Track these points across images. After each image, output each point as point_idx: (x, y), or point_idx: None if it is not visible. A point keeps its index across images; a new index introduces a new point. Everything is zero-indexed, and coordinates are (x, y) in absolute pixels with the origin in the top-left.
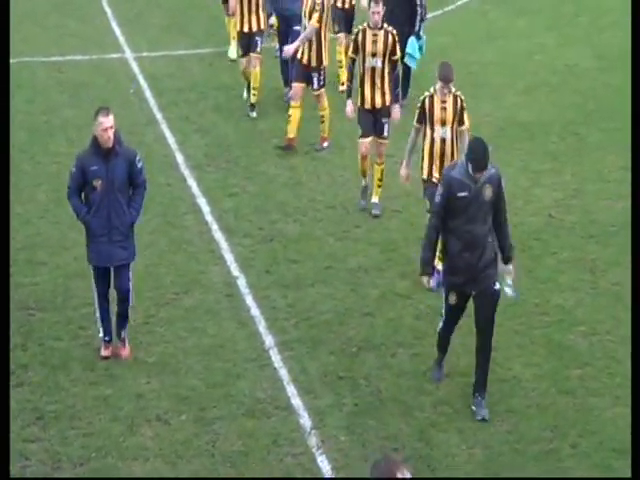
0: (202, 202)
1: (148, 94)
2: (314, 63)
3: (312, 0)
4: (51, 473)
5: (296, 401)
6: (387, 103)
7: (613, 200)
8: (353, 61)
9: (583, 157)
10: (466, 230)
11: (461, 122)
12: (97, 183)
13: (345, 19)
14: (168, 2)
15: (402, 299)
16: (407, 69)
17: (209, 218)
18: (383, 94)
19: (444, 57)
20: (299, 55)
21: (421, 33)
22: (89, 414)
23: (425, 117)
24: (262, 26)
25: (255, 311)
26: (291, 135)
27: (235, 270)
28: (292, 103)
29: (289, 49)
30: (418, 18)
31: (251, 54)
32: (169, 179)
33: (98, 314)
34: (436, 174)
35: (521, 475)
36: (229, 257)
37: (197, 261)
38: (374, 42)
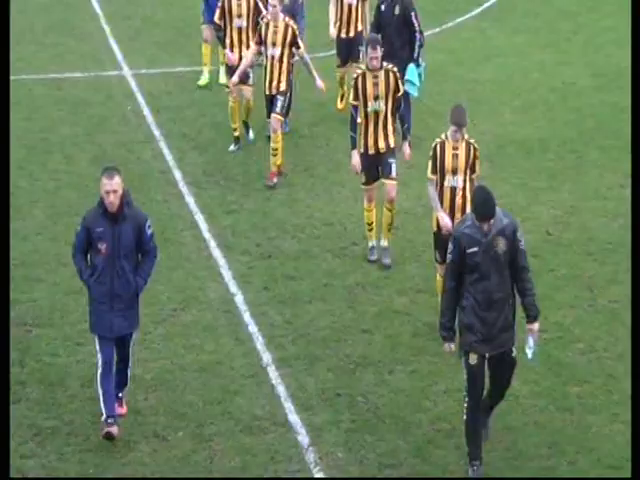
0: (200, 219)
1: (146, 111)
2: (274, 90)
3: (291, 30)
4: None
5: (294, 418)
6: (392, 145)
7: (611, 218)
8: (355, 108)
9: (581, 175)
10: (481, 288)
11: (473, 171)
12: (102, 246)
13: (350, 48)
14: (166, 20)
15: (400, 316)
16: (406, 96)
17: (207, 235)
18: (387, 137)
19: (442, 74)
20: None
21: (420, 60)
22: (86, 430)
23: (436, 165)
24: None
25: (253, 328)
26: (276, 167)
27: (233, 287)
28: (273, 137)
29: (234, 78)
30: (417, 44)
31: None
32: (167, 196)
33: (100, 390)
34: None
35: None
36: (227, 274)
37: (195, 278)
38: (375, 85)
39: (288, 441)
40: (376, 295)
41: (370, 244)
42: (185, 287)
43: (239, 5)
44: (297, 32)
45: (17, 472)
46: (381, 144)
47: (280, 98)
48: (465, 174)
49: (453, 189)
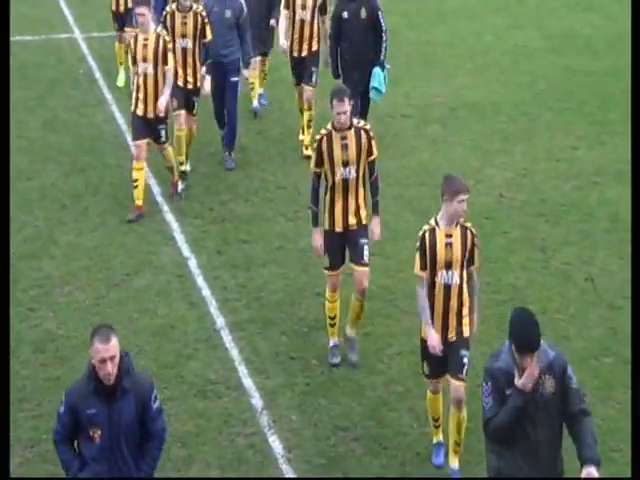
0: (152, 183)
1: (98, 75)
2: (151, 114)
3: (162, 42)
4: None
5: (247, 381)
6: (363, 221)
7: (563, 180)
8: (317, 177)
9: (533, 137)
10: (523, 440)
11: (470, 262)
12: (96, 434)
13: (303, 69)
14: None
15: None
16: (365, 103)
17: (159, 199)
18: (358, 210)
19: (395, 37)
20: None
21: (385, 62)
22: (39, 396)
23: (426, 258)
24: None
25: (206, 292)
26: (139, 202)
27: (186, 251)
28: (135, 164)
29: (161, 104)
30: (384, 45)
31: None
32: (120, 160)
33: None
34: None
35: (473, 454)
36: (180, 238)
37: (147, 242)
38: (344, 147)
39: (242, 405)
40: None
41: (332, 343)
42: (138, 251)
43: (184, 24)
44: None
45: None
46: (351, 220)
47: (161, 126)
48: (462, 268)
49: (447, 287)
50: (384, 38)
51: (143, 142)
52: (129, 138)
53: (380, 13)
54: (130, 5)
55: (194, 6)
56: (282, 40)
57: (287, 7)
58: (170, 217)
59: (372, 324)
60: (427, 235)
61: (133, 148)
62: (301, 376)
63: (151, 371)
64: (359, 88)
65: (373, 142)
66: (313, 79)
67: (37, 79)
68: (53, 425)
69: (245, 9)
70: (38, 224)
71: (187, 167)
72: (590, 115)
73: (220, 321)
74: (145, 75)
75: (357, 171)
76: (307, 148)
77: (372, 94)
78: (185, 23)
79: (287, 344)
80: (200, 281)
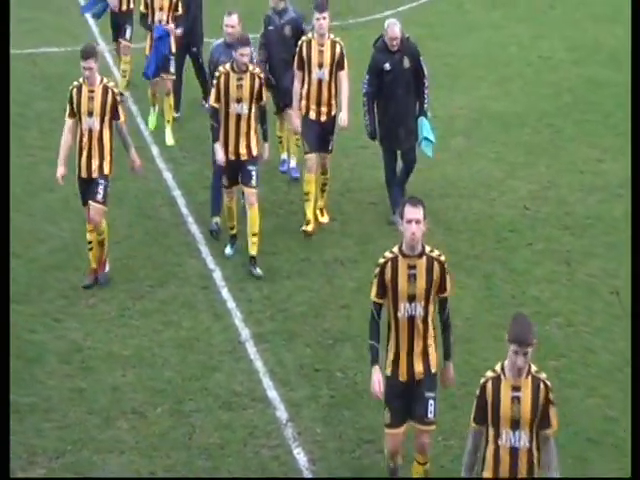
0: (178, 194)
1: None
2: (95, 174)
3: (111, 94)
4: (26, 467)
5: (272, 393)
6: (432, 369)
7: (587, 192)
8: (378, 308)
9: (557, 149)
10: None
11: (545, 425)
12: None
13: (322, 135)
14: None
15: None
16: (411, 160)
17: (185, 211)
18: (426, 355)
19: (419, 48)
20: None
21: (427, 109)
22: (64, 407)
23: (485, 412)
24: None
25: (231, 304)
26: (95, 265)
27: (211, 263)
28: (89, 226)
29: (139, 167)
30: (426, 92)
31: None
32: (144, 171)
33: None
34: None
35: None
36: (205, 250)
37: (173, 254)
38: (412, 278)
39: (267, 417)
40: (354, 270)
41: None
42: (163, 263)
43: (240, 86)
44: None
45: None
46: (417, 367)
47: (101, 182)
48: (532, 428)
49: (514, 451)
50: (426, 84)
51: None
52: (154, 150)
53: (422, 58)
54: (132, 5)
55: (250, 66)
56: (295, 109)
57: (301, 67)
58: (195, 229)
59: None
60: (489, 385)
61: (85, 212)
62: (326, 388)
63: (176, 383)
64: (405, 145)
65: (447, 276)
66: (330, 147)
67: (62, 90)
68: (79, 437)
69: (255, 57)
70: (63, 235)
71: (259, 271)
72: (615, 127)
73: (245, 333)
74: (90, 131)
75: (426, 309)
76: (322, 213)
77: (423, 145)
78: (241, 85)
79: (311, 356)
80: (225, 293)
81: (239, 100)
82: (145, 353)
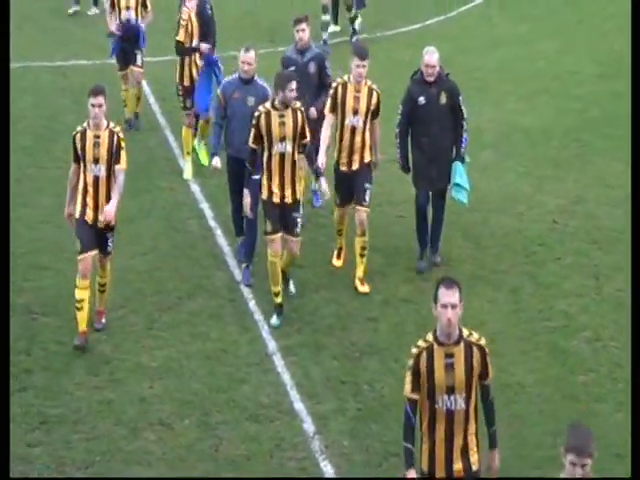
0: (205, 207)
1: (152, 99)
2: (102, 224)
3: (116, 139)
4: (55, 477)
5: (299, 406)
6: (473, 467)
7: (615, 206)
8: (414, 405)
9: (585, 163)
10: None
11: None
12: None
13: (354, 185)
14: (172, 6)
15: (405, 304)
16: (442, 206)
17: (212, 223)
18: (466, 451)
19: (446, 62)
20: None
21: (465, 154)
22: (93, 418)
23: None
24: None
25: (258, 316)
26: (84, 327)
27: (238, 275)
28: (80, 282)
29: (109, 212)
30: (464, 135)
31: None
32: (172, 183)
33: None
34: None
35: None
36: (232, 262)
37: (200, 266)
38: (449, 368)
39: (293, 429)
40: (381, 283)
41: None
42: (191, 275)
43: (282, 124)
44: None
45: (23, 460)
46: (457, 465)
47: (109, 235)
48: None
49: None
50: (464, 126)
51: (90, 255)
52: (181, 162)
53: (461, 97)
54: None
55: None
56: (322, 155)
57: (333, 110)
58: (223, 241)
59: None
60: None
61: (79, 263)
62: (352, 401)
63: (203, 395)
64: (437, 186)
65: (488, 360)
66: (367, 198)
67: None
68: (107, 449)
69: (270, 95)
70: None
71: (292, 288)
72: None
73: (272, 345)
74: (97, 178)
75: (467, 401)
76: (362, 283)
77: (454, 192)
78: (283, 123)
79: (338, 369)
80: (252, 305)
81: (282, 139)
82: (173, 365)
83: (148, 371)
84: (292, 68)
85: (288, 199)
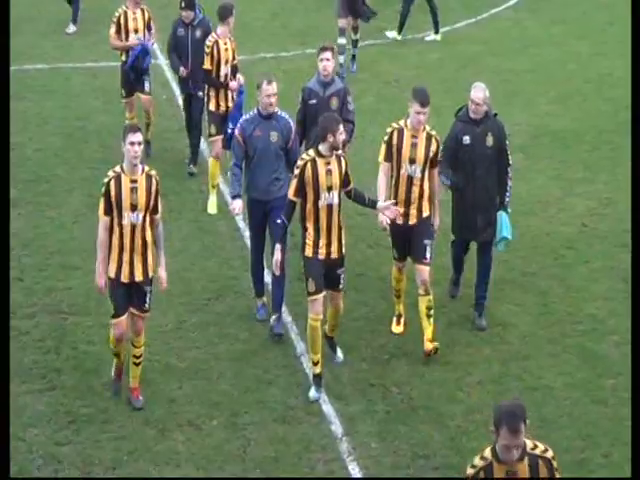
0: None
1: (181, 100)
2: (139, 277)
3: (154, 183)
4: (83, 477)
5: (327, 407)
6: None
7: None
8: None
9: (616, 166)
10: None
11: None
12: None
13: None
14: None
15: (434, 307)
16: (488, 262)
17: (241, 224)
18: None
19: (477, 65)
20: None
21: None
22: (121, 418)
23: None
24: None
25: (287, 317)
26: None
27: (267, 276)
28: (117, 347)
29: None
30: (509, 183)
31: None
32: (202, 186)
33: None
34: None
35: None
36: None
37: (229, 267)
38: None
39: (322, 431)
40: (410, 286)
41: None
42: (219, 276)
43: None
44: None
45: (52, 458)
46: None
47: (147, 288)
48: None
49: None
50: (510, 174)
51: (124, 319)
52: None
53: (507, 142)
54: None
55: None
56: (381, 202)
57: (389, 159)
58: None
59: (452, 353)
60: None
61: (114, 327)
62: (381, 403)
63: (231, 396)
64: (480, 237)
65: (556, 472)
66: (428, 255)
67: (120, 104)
68: (135, 448)
69: (294, 127)
70: None
71: (340, 355)
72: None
73: (300, 347)
74: (133, 227)
75: None
76: (432, 341)
77: (500, 246)
78: (330, 171)
79: (367, 371)
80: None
81: (330, 188)
82: (201, 365)
83: (177, 372)
84: (313, 101)
85: (334, 254)
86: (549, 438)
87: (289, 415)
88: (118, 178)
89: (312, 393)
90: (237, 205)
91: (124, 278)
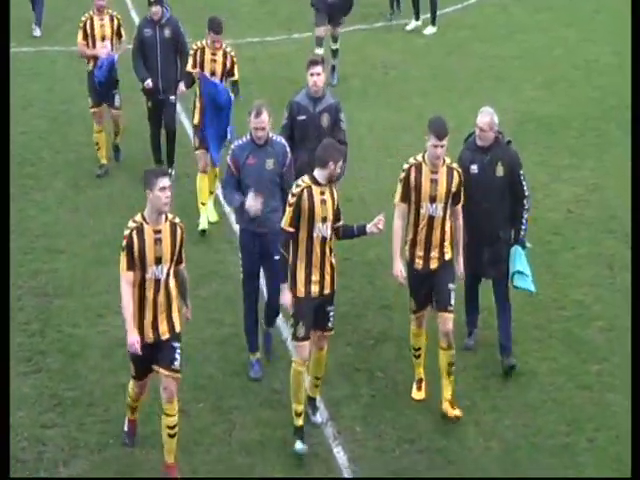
0: (219, 193)
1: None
2: (166, 335)
3: (179, 231)
4: (68, 459)
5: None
6: None
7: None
8: None
9: (602, 152)
10: None
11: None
12: None
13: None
14: None
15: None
16: (503, 296)
17: (227, 209)
18: None
19: (463, 50)
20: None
21: (525, 239)
22: (107, 401)
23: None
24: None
25: None
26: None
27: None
28: (133, 416)
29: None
30: (525, 216)
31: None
32: (187, 169)
33: None
34: None
35: (537, 469)
36: None
37: (215, 251)
38: None
39: (307, 415)
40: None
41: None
42: (206, 261)
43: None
44: None
45: (37, 441)
46: None
47: (175, 345)
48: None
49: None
50: (526, 206)
51: (149, 380)
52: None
53: (522, 172)
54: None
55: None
56: (397, 259)
57: (406, 199)
58: (237, 227)
59: (437, 339)
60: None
61: (132, 390)
62: (366, 388)
63: (217, 380)
64: (488, 273)
65: None
66: (452, 301)
67: None
68: (120, 432)
69: (289, 152)
70: (107, 231)
71: (318, 418)
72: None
73: (286, 332)
74: (157, 283)
75: None
76: (452, 406)
77: (515, 281)
78: (324, 201)
79: (352, 356)
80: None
81: (324, 220)
82: (187, 349)
83: None
84: (302, 117)
85: (327, 289)
86: (534, 423)
87: (274, 399)
88: (140, 229)
89: (298, 446)
90: (250, 197)
91: (147, 339)
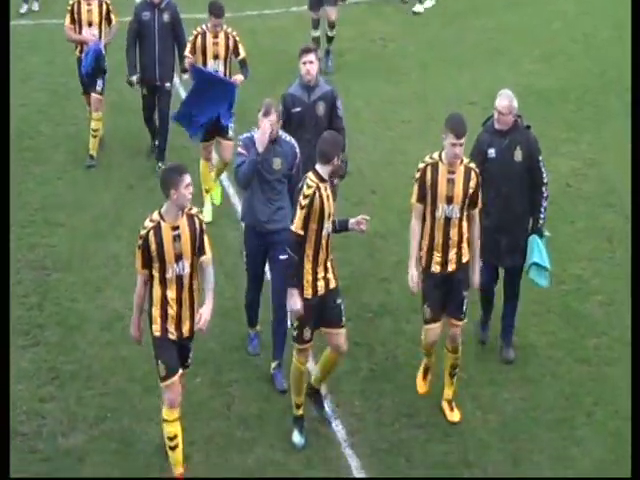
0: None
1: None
2: (187, 333)
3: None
4: (67, 432)
5: (311, 365)
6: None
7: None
8: None
9: (601, 126)
10: None
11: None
12: None
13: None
14: None
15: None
16: (515, 292)
17: (226, 182)
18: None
19: (462, 22)
20: None
21: (544, 228)
22: (105, 375)
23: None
24: None
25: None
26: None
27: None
28: (170, 414)
29: (205, 317)
30: (544, 204)
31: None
32: (184, 142)
33: None
34: None
35: (535, 443)
36: None
37: (214, 224)
38: None
39: (320, 410)
40: (395, 244)
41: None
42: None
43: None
44: None
45: (36, 414)
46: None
47: (191, 345)
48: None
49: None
50: (544, 193)
51: (177, 380)
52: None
53: (541, 157)
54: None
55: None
56: (413, 265)
57: (422, 200)
58: (236, 200)
59: None
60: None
61: (167, 390)
62: (365, 361)
63: (216, 353)
64: (506, 262)
65: None
66: (465, 309)
67: (107, 61)
68: (119, 405)
69: (298, 153)
70: (105, 204)
71: (327, 410)
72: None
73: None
74: (180, 279)
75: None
76: (451, 408)
77: (532, 273)
78: (328, 197)
79: (352, 329)
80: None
81: (329, 216)
82: None
83: None
84: (297, 109)
85: (332, 283)
86: (533, 397)
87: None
88: (158, 227)
89: (296, 438)
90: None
91: (172, 336)
